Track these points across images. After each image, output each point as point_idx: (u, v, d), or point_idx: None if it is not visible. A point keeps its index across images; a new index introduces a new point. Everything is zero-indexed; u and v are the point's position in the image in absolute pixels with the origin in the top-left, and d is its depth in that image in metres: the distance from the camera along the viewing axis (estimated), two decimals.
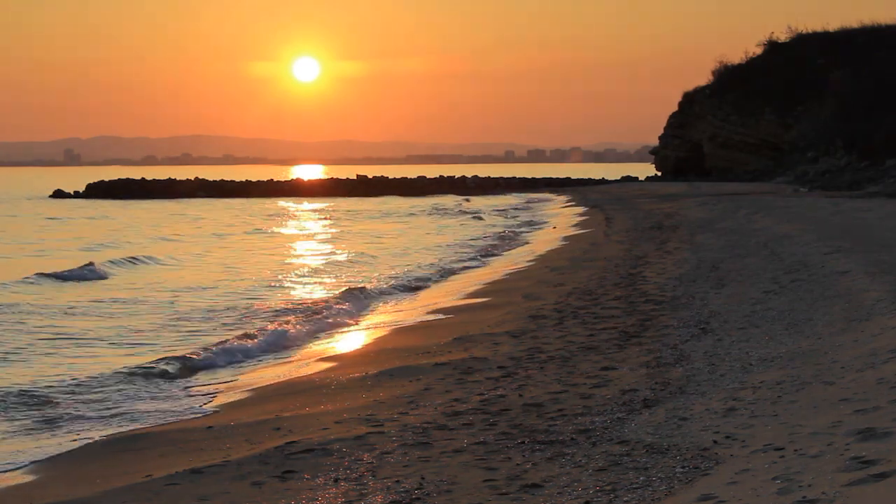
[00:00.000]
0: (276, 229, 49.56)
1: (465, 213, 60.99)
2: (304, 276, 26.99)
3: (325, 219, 58.96)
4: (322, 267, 29.33)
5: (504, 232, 42.24)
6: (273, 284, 24.53)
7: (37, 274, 25.95)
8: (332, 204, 76.88)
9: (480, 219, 54.15)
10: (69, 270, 26.92)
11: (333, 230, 48.12)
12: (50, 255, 34.52)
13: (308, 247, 38.60)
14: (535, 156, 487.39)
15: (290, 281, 25.50)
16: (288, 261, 32.23)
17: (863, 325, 11.58)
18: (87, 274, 26.77)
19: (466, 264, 28.37)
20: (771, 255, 20.48)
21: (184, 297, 21.87)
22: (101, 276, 26.93)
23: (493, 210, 63.51)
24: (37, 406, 11.64)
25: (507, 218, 54.44)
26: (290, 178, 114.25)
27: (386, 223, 53.04)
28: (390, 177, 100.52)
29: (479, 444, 8.39)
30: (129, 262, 30.70)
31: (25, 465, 9.32)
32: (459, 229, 46.02)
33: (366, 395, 10.87)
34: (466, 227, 48.09)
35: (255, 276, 26.55)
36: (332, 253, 34.72)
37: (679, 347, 12.04)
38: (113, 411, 11.43)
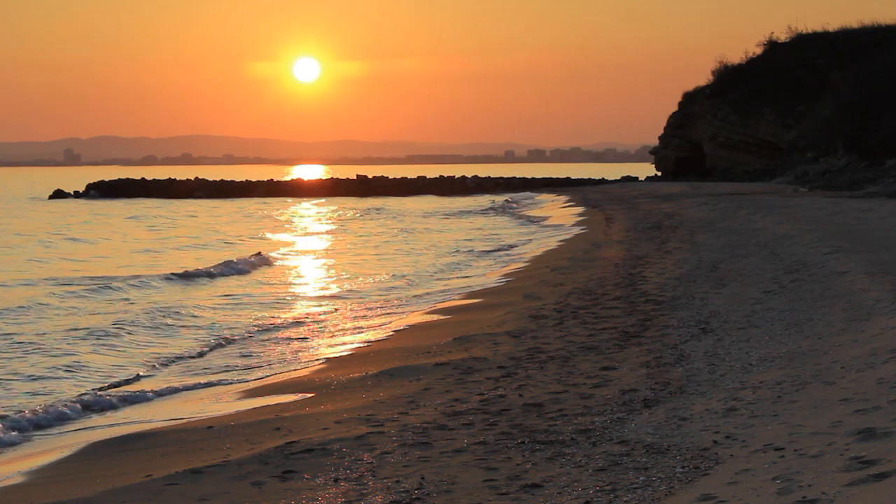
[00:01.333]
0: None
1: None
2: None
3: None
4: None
5: (505, 232, 42.25)
6: None
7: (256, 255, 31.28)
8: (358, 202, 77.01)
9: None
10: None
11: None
12: (212, 248, 37.39)
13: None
14: (535, 156, 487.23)
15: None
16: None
17: (863, 325, 11.58)
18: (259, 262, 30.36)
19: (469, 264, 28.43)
20: (771, 255, 20.47)
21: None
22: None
23: (493, 211, 63.49)
24: None
25: (506, 218, 54.42)
26: (290, 178, 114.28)
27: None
28: (390, 177, 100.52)
29: (479, 444, 8.39)
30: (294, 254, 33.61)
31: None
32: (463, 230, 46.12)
33: (366, 395, 10.87)
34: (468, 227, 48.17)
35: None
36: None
37: (679, 347, 12.04)
38: None
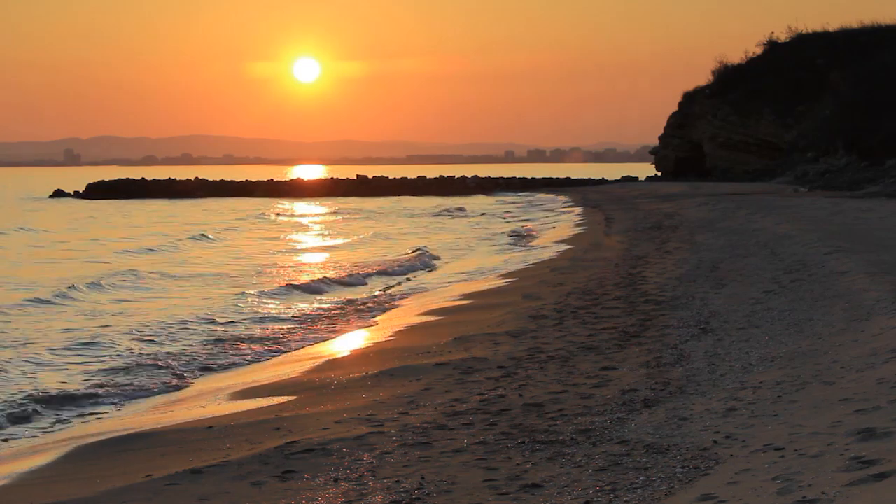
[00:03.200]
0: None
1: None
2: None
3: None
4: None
5: (505, 231, 42.24)
6: None
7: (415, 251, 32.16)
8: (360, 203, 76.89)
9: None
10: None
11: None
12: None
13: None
14: (535, 156, 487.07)
15: None
16: None
17: (863, 325, 11.57)
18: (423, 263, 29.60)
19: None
20: (771, 255, 20.47)
21: None
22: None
23: (494, 211, 63.49)
24: None
25: (506, 219, 54.42)
26: (289, 178, 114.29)
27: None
28: (390, 177, 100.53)
29: (479, 444, 8.39)
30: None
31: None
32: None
33: (366, 395, 10.87)
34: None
35: None
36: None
37: (679, 347, 12.04)
38: None
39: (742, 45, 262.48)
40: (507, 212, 61.07)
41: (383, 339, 15.43)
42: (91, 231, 48.40)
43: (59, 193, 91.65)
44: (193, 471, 8.17)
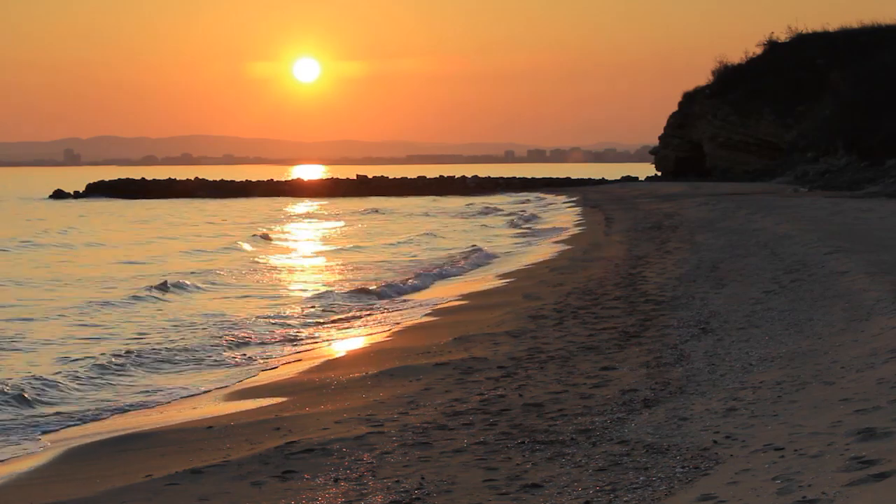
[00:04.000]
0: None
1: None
2: None
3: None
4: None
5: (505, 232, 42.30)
6: None
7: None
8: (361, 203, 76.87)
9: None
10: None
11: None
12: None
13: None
14: (535, 156, 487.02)
15: None
16: None
17: (863, 325, 11.58)
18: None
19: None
20: (771, 255, 20.47)
21: None
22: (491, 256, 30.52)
23: (493, 211, 63.51)
24: None
25: (507, 218, 54.44)
26: (290, 178, 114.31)
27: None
28: (390, 177, 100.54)
29: (479, 444, 8.39)
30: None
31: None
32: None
33: (366, 395, 10.87)
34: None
35: None
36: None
37: (679, 347, 12.04)
38: None
39: (742, 45, 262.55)
40: (523, 210, 61.08)
41: (383, 339, 15.43)
42: (130, 233, 47.18)
43: (59, 194, 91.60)
44: (193, 471, 8.18)
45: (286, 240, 42.94)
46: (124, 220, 58.51)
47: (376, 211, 65.41)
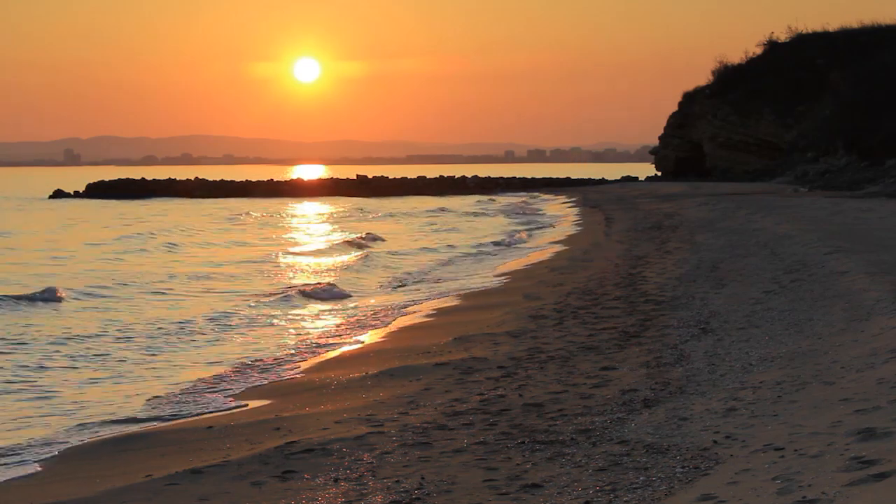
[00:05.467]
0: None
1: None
2: None
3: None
4: None
5: (505, 232, 42.32)
6: None
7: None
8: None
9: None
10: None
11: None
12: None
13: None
14: (535, 156, 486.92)
15: None
16: None
17: (863, 325, 11.58)
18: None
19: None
20: (771, 255, 20.47)
21: None
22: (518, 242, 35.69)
23: (493, 211, 63.51)
24: None
25: (507, 218, 54.46)
26: (290, 178, 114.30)
27: None
28: (390, 177, 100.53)
29: (479, 444, 8.39)
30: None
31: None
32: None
33: (366, 395, 10.87)
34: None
35: None
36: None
37: (679, 347, 12.04)
38: None
39: (742, 45, 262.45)
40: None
41: (383, 339, 15.43)
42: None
43: (59, 194, 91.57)
44: (193, 471, 8.18)
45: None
46: (206, 219, 57.99)
47: (443, 210, 64.89)
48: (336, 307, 19.77)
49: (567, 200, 68.25)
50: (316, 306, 20.04)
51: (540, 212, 59.24)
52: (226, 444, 9.19)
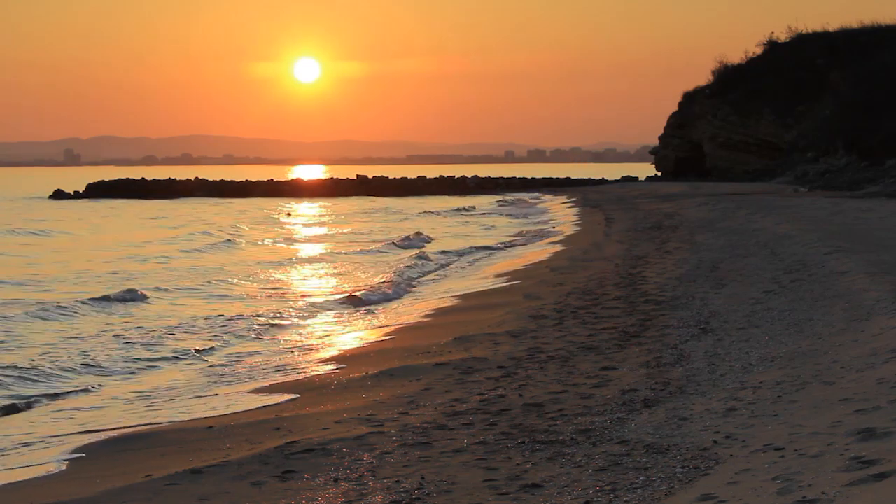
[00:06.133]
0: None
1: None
2: None
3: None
4: None
5: (506, 232, 42.34)
6: None
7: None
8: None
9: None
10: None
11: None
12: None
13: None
14: (535, 156, 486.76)
15: None
16: None
17: (863, 325, 11.58)
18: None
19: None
20: (771, 255, 20.47)
21: None
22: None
23: (495, 211, 63.50)
24: None
25: (507, 218, 54.46)
26: (290, 178, 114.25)
27: None
28: (390, 177, 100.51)
29: (479, 444, 8.39)
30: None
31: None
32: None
33: (366, 395, 10.87)
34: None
35: None
36: None
37: (679, 347, 12.04)
38: None
39: (742, 45, 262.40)
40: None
41: (383, 339, 15.43)
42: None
43: (59, 194, 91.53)
44: (193, 471, 8.18)
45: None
46: (243, 218, 58.32)
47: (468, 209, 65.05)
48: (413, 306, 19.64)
49: (567, 200, 68.21)
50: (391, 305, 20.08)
51: (542, 212, 59.81)
52: (226, 444, 9.18)
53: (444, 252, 32.29)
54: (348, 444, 8.62)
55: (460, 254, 31.94)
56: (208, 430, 9.90)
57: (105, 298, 21.30)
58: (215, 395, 12.15)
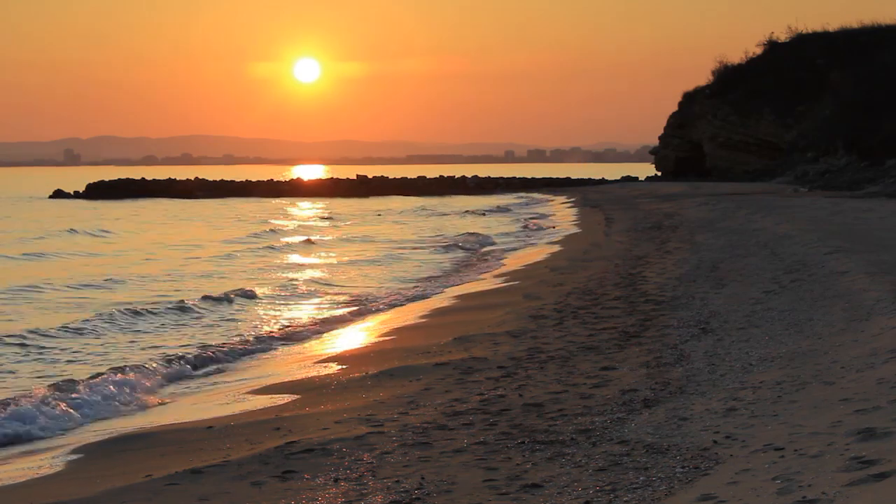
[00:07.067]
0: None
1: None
2: None
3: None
4: None
5: (507, 231, 42.33)
6: None
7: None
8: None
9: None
10: None
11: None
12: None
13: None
14: (535, 156, 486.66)
15: None
16: None
17: (863, 325, 11.57)
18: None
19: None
20: (771, 255, 20.47)
21: None
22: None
23: (495, 211, 63.48)
24: None
25: (508, 218, 54.46)
26: (290, 178, 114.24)
27: None
28: (390, 177, 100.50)
29: (479, 444, 8.39)
30: None
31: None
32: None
33: (366, 395, 10.87)
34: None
35: None
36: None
37: (679, 347, 12.04)
38: None
39: (742, 45, 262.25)
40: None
41: (383, 339, 15.43)
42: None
43: (59, 194, 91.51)
44: (193, 471, 8.18)
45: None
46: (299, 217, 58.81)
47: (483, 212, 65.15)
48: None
49: (567, 200, 68.22)
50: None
51: (542, 212, 60.00)
52: (226, 444, 9.18)
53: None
54: (348, 444, 8.62)
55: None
56: (208, 430, 9.90)
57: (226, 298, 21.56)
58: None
